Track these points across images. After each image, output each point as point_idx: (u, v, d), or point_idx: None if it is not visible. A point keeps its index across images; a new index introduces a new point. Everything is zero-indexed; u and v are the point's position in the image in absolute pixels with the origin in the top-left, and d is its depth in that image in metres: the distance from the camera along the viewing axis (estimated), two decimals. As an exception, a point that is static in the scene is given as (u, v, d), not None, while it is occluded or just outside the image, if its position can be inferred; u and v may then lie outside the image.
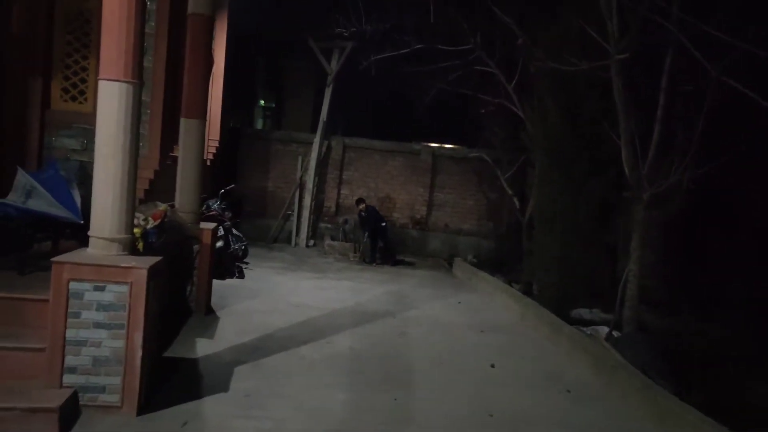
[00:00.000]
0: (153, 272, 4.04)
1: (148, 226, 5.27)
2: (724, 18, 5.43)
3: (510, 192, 11.84)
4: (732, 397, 5.97)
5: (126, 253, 4.11)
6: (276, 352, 5.82)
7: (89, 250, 4.06)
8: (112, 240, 4.01)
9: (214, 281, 7.90)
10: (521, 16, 8.96)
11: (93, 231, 4.02)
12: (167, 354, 5.45)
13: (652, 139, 6.75)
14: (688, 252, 9.30)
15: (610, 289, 8.62)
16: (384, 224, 12.58)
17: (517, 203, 11.66)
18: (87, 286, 3.86)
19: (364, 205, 12.73)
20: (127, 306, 3.93)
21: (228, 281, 8.90)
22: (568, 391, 5.55)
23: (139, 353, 3.99)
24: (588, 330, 8.14)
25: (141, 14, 3.89)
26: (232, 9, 11.13)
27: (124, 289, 3.90)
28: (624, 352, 6.66)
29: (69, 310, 3.86)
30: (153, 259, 4.14)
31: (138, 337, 3.97)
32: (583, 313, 8.94)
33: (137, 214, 5.33)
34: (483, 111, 12.15)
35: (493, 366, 6.07)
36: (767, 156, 7.08)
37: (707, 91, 6.25)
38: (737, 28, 5.29)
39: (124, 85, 3.87)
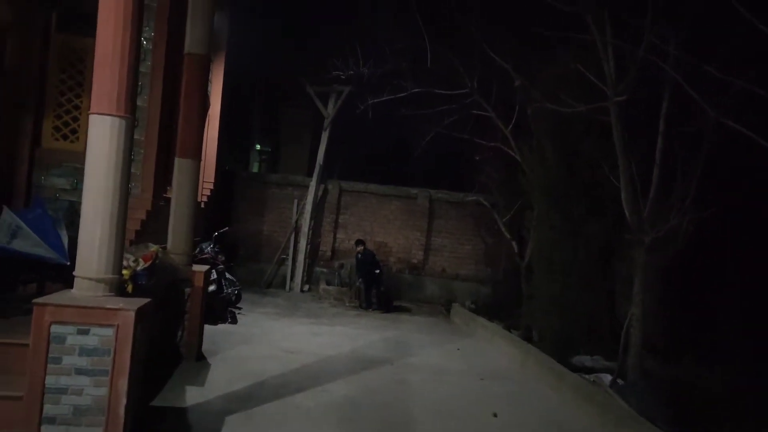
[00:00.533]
0: (141, 314, 3.84)
1: (138, 268, 5.08)
2: (724, 59, 5.46)
3: (508, 236, 11.73)
4: None
5: (113, 294, 3.92)
6: (269, 401, 5.56)
7: (74, 291, 3.87)
8: (99, 280, 3.83)
9: (206, 327, 7.66)
10: (518, 58, 9.05)
11: (78, 270, 3.84)
12: (154, 403, 5.18)
13: (652, 182, 6.69)
14: (687, 296, 9.17)
15: (610, 333, 8.44)
16: (378, 270, 12.29)
17: (515, 247, 11.52)
18: (70, 329, 3.65)
19: (362, 247, 12.50)
20: (112, 350, 3.71)
21: (220, 326, 8.64)
22: (575, 442, 5.30)
23: (123, 401, 3.75)
24: (591, 378, 7.90)
25: (135, 48, 3.82)
26: (229, 52, 11.27)
27: (110, 332, 3.70)
28: (629, 400, 6.44)
29: (50, 355, 3.64)
30: (141, 301, 3.95)
31: (123, 384, 3.74)
32: (585, 360, 8.70)
33: (127, 255, 5.16)
34: (478, 157, 12.17)
35: (495, 415, 5.82)
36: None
37: (706, 133, 6.24)
38: (736, 68, 5.31)
39: (116, 119, 3.77)
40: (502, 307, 12.28)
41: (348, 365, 7.27)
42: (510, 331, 9.94)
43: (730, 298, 8.42)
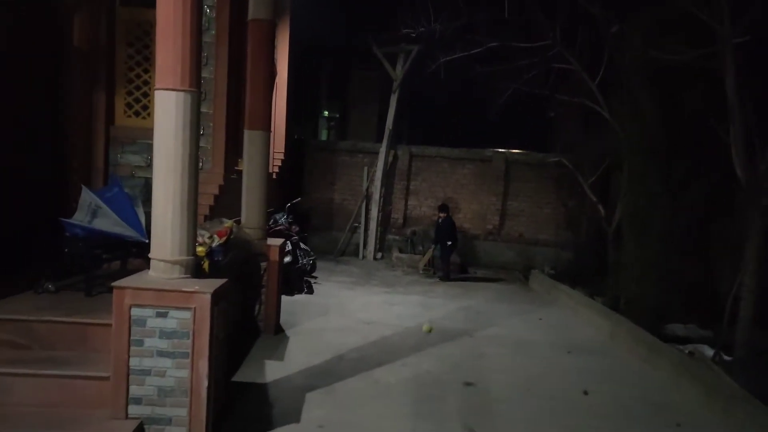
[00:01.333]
0: (217, 296, 3.72)
1: (214, 244, 4.99)
2: None
3: (594, 198, 10.96)
4: None
5: (189, 275, 3.81)
6: (349, 376, 5.44)
7: (150, 273, 3.79)
8: (174, 262, 3.72)
9: (283, 298, 7.65)
10: (608, 3, 8.16)
11: (153, 253, 3.75)
12: (236, 378, 5.18)
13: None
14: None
15: (708, 302, 7.75)
16: (450, 242, 11.36)
17: (602, 210, 10.75)
18: (149, 312, 3.58)
19: (445, 213, 11.61)
20: (190, 333, 3.62)
21: (297, 297, 8.65)
22: (678, 425, 4.86)
23: (205, 383, 3.67)
24: (686, 349, 7.33)
25: (197, 19, 3.59)
26: (294, 16, 10.97)
27: (187, 315, 3.60)
28: (738, 378, 5.86)
29: (132, 338, 3.60)
30: (217, 282, 3.83)
31: (203, 366, 3.66)
32: (677, 329, 8.13)
33: (202, 232, 5.09)
34: (559, 114, 11.38)
35: (586, 393, 5.45)
36: None
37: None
38: None
39: (182, 94, 3.58)
40: (583, 273, 11.64)
41: (426, 337, 7.07)
42: (593, 299, 9.40)
43: None
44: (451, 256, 11.48)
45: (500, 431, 4.55)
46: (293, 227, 9.41)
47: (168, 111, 3.61)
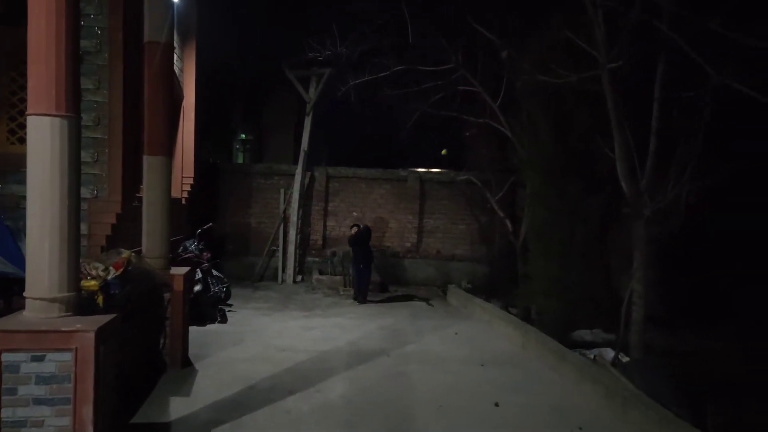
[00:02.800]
0: (104, 334, 3.50)
1: (109, 277, 4.73)
2: (724, 16, 5.07)
3: (501, 214, 11.39)
4: (749, 420, 5.63)
5: (71, 313, 3.56)
6: (260, 407, 5.26)
7: (26, 313, 3.50)
8: (53, 300, 3.47)
9: (194, 328, 7.36)
10: (504, 29, 8.62)
11: (29, 291, 3.48)
12: (135, 420, 4.87)
13: (649, 153, 6.35)
14: (687, 268, 8.95)
15: (609, 308, 8.21)
16: (362, 265, 11.18)
17: (509, 225, 11.20)
18: (23, 356, 3.30)
19: (356, 228, 11.49)
20: (72, 376, 3.37)
21: (209, 327, 8.33)
22: (581, 429, 5.05)
23: (90, 430, 3.41)
24: (592, 353, 7.70)
25: (74, 38, 3.39)
26: (201, 40, 10.75)
27: (68, 357, 3.35)
28: (633, 378, 6.22)
29: (3, 386, 3.30)
30: (103, 319, 3.60)
31: (88, 412, 3.41)
32: (584, 334, 8.53)
33: (96, 264, 4.81)
34: (468, 133, 11.80)
35: (497, 405, 5.57)
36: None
37: (706, 98, 5.88)
38: (739, 25, 4.93)
39: (57, 120, 3.36)
40: (498, 286, 12.04)
41: (343, 360, 6.98)
42: (508, 310, 9.69)
43: (731, 269, 8.18)
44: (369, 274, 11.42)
45: (411, 451, 4.54)
46: (204, 254, 9.08)
47: (43, 138, 3.37)
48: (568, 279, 8.20)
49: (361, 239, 11.28)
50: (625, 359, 7.07)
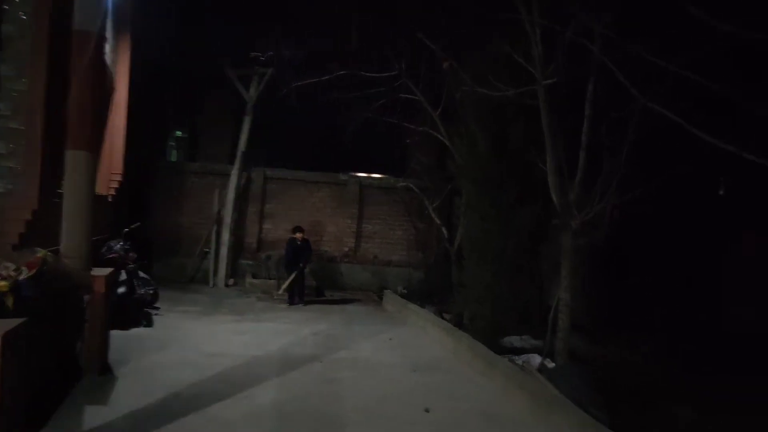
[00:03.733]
0: (10, 339, 3.27)
1: (21, 277, 4.46)
2: (654, 43, 5.36)
3: (438, 221, 11.57)
4: (662, 424, 5.95)
5: (-26, 317, 3.31)
6: (184, 415, 5.05)
7: None
8: (-47, 303, 3.21)
9: (117, 332, 7.01)
10: (447, 40, 8.78)
11: (-74, 293, 3.21)
12: (44, 431, 4.56)
13: (578, 167, 6.63)
14: (612, 278, 9.39)
15: (538, 316, 8.49)
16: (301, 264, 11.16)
17: (445, 233, 11.39)
18: None
19: (301, 234, 11.33)
20: (-26, 384, 3.13)
21: (133, 331, 7.96)
22: (506, 433, 5.16)
23: (-7, 442, 3.18)
24: (520, 359, 7.91)
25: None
26: (136, 32, 10.33)
27: (-31, 364, 3.11)
28: (558, 384, 6.44)
29: None
30: (10, 323, 3.37)
31: (-9, 422, 3.17)
32: (514, 340, 8.75)
33: (7, 264, 4.53)
34: (409, 140, 11.93)
35: (427, 411, 5.61)
36: (689, 184, 7.16)
37: (632, 118, 6.20)
38: (667, 53, 5.23)
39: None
40: (434, 292, 12.20)
41: (274, 366, 6.85)
42: (442, 316, 9.83)
43: (652, 279, 8.65)
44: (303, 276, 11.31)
45: (339, 459, 4.49)
46: (130, 254, 8.70)
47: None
48: (500, 287, 8.42)
49: (306, 251, 11.24)
50: (551, 365, 7.31)
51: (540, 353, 7.72)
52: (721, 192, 9.80)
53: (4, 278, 4.20)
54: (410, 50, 9.83)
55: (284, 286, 11.22)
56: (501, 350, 7.59)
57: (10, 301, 4.00)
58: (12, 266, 4.43)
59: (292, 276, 11.10)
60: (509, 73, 7.26)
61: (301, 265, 11.11)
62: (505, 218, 8.26)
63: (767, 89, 5.05)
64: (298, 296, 11.11)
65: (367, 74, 10.18)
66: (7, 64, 5.29)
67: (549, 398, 5.75)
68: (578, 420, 5.05)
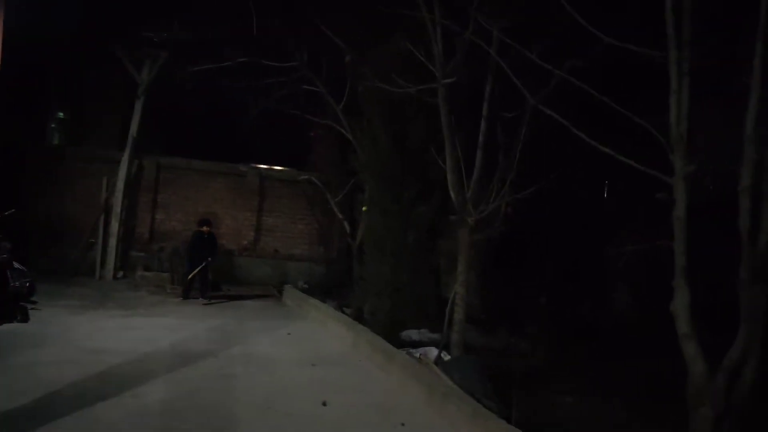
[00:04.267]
0: None
1: None
2: (545, 48, 5.71)
3: (340, 216, 11.62)
4: (542, 409, 6.33)
5: None
6: (63, 416, 4.71)
7: None
8: None
9: (-15, 328, 6.40)
10: (350, 34, 8.81)
11: None
12: None
13: (475, 166, 6.93)
14: (505, 272, 9.92)
15: (436, 309, 8.77)
16: (211, 259, 10.68)
17: (347, 227, 11.47)
18: None
19: (208, 227, 10.82)
20: None
21: (6, 327, 7.31)
22: (402, 425, 5.25)
23: None
24: (418, 352, 8.12)
25: None
26: (9, 4, 9.37)
27: None
28: (453, 375, 6.65)
29: None
30: None
31: None
32: (412, 334, 8.95)
33: None
34: (312, 133, 11.87)
35: (324, 404, 5.61)
36: (576, 184, 7.72)
37: (524, 120, 6.57)
38: (557, 58, 5.58)
39: None
40: (336, 286, 12.24)
41: (165, 363, 6.55)
42: (343, 311, 9.88)
43: (543, 272, 9.23)
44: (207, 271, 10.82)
45: (233, 455, 4.40)
46: (2, 243, 7.95)
47: None
48: (400, 281, 8.61)
49: (210, 245, 10.73)
50: (447, 357, 7.57)
51: (437, 346, 7.97)
52: (604, 194, 10.66)
53: None
54: (313, 42, 9.75)
55: (189, 276, 10.59)
56: (400, 344, 7.75)
57: None
58: None
59: (198, 269, 10.53)
60: (411, 70, 7.41)
61: (209, 259, 10.55)
62: (405, 214, 8.46)
63: (644, 97, 5.54)
64: (201, 291, 10.61)
65: (268, 63, 9.97)
66: None
67: (444, 390, 5.89)
68: (471, 410, 5.24)
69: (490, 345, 8.56)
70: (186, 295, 10.61)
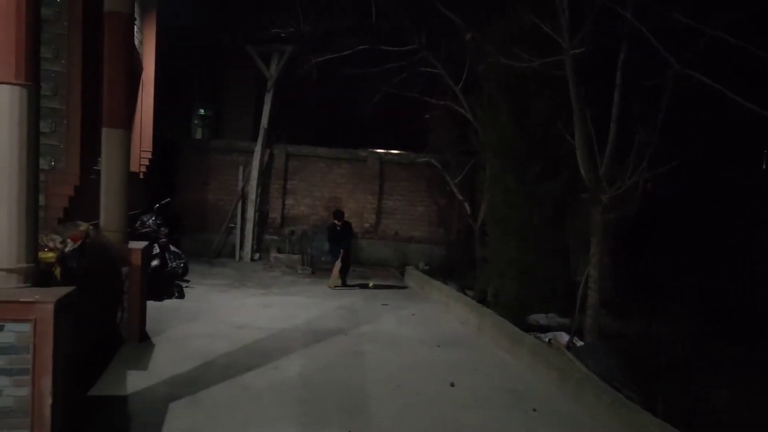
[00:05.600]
0: (62, 306, 3.45)
1: (67, 249, 4.64)
2: (688, 6, 5.19)
3: (460, 197, 11.58)
4: (694, 404, 5.84)
5: (29, 284, 3.50)
6: (217, 383, 5.27)
7: (-16, 283, 3.43)
8: (10, 271, 3.39)
9: (151, 303, 7.28)
10: (469, 12, 8.67)
11: (-14, 261, 3.40)
12: (93, 392, 4.83)
13: (609, 140, 6.53)
14: (642, 253, 9.27)
15: (565, 292, 8.46)
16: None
17: (467, 208, 11.41)
18: (-18, 326, 3.24)
19: (341, 221, 10.80)
20: (31, 347, 3.33)
21: (166, 302, 8.24)
22: (534, 410, 5.17)
23: (49, 401, 3.39)
24: (547, 336, 7.92)
25: (34, 6, 3.30)
26: (161, 12, 10.44)
27: (26, 328, 3.30)
28: (587, 362, 6.39)
29: (-39, 355, 3.23)
30: (62, 291, 3.55)
31: (46, 383, 3.38)
32: (540, 318, 8.74)
33: (54, 236, 4.71)
34: (429, 116, 11.89)
35: (452, 385, 5.66)
36: (723, 154, 7.02)
37: (667, 87, 6.04)
38: (703, 15, 5.05)
39: (17, 88, 3.26)
40: (456, 268, 12.27)
41: (301, 338, 7.03)
42: (465, 293, 9.89)
43: (684, 253, 8.52)
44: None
45: (369, 429, 4.63)
46: (162, 229, 8.94)
47: (1, 106, 3.28)
48: (525, 262, 8.41)
49: (347, 236, 10.86)
50: (580, 343, 7.30)
51: (566, 331, 7.69)
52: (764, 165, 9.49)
53: (51, 250, 4.37)
54: (431, 23, 9.74)
55: (332, 281, 10.68)
56: (526, 328, 7.53)
57: (57, 272, 4.17)
58: (58, 238, 4.61)
59: (337, 266, 10.66)
60: (534, 43, 7.12)
61: (341, 250, 10.61)
62: (529, 192, 8.21)
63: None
64: (341, 279, 10.74)
65: (387, 48, 10.13)
66: (45, 46, 5.42)
67: (579, 376, 5.68)
68: (610, 399, 5.02)
69: (626, 330, 8.10)
70: (344, 283, 10.73)
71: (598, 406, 5.09)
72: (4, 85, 3.25)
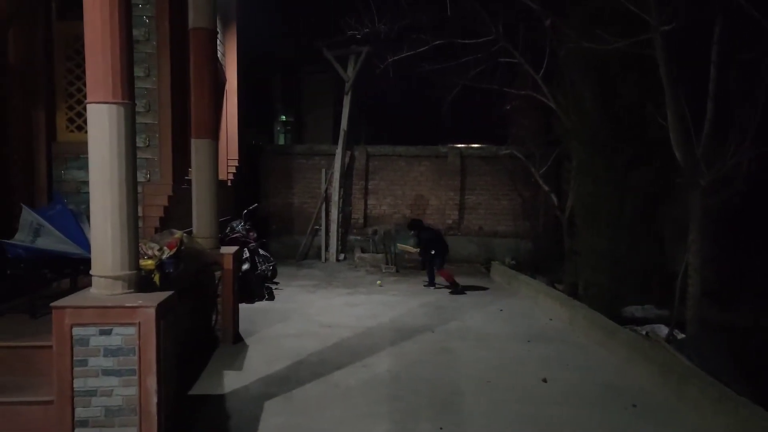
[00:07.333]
0: (162, 310, 3.66)
1: (164, 257, 4.92)
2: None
3: (546, 188, 11.20)
4: None
5: (132, 290, 3.74)
6: (308, 381, 5.41)
7: (92, 290, 3.71)
8: (116, 278, 3.65)
9: (244, 305, 7.60)
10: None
11: (95, 269, 3.68)
12: (193, 391, 5.10)
13: (706, 118, 6.05)
14: (745, 240, 8.57)
15: (661, 283, 7.99)
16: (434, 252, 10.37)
17: (554, 200, 11.00)
18: (92, 330, 3.51)
19: (418, 231, 10.61)
20: (136, 349, 3.56)
21: (257, 304, 8.58)
22: (634, 406, 4.94)
23: (154, 400, 3.61)
24: (644, 330, 7.53)
25: (127, 30, 3.53)
26: (240, 24, 10.88)
27: (132, 331, 3.53)
28: (690, 355, 6.02)
29: (75, 358, 3.51)
30: (162, 295, 3.76)
31: (152, 382, 3.60)
32: (635, 310, 8.34)
33: (152, 245, 5.00)
34: (509, 107, 11.60)
35: (545, 381, 5.52)
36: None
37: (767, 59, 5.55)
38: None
39: (114, 107, 3.52)
40: (544, 262, 11.90)
41: (388, 336, 7.08)
42: (554, 287, 9.57)
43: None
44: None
45: (460, 425, 4.58)
46: (251, 234, 9.31)
47: (101, 124, 3.53)
48: (618, 253, 8.01)
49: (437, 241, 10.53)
50: (680, 336, 6.87)
51: (665, 323, 7.29)
52: None
53: (150, 257, 4.63)
54: (507, 12, 9.49)
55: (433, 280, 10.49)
56: (620, 321, 7.22)
57: (156, 278, 4.43)
58: (156, 246, 4.88)
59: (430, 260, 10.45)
60: (618, 22, 6.74)
61: (432, 252, 10.31)
62: (619, 179, 7.79)
63: None
64: (429, 279, 10.59)
65: (464, 41, 9.97)
66: (137, 65, 5.79)
67: (681, 370, 5.37)
68: (718, 394, 4.71)
69: (731, 323, 7.53)
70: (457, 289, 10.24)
71: (704, 400, 4.79)
72: (104, 105, 3.51)
